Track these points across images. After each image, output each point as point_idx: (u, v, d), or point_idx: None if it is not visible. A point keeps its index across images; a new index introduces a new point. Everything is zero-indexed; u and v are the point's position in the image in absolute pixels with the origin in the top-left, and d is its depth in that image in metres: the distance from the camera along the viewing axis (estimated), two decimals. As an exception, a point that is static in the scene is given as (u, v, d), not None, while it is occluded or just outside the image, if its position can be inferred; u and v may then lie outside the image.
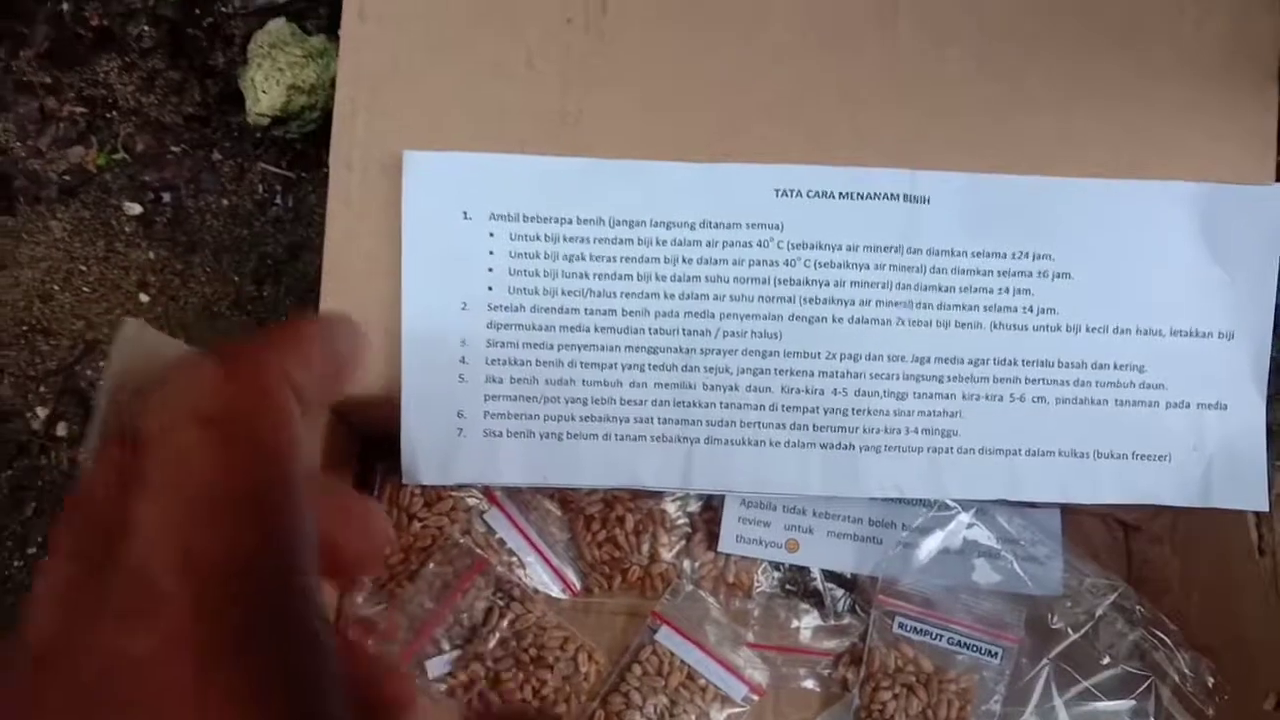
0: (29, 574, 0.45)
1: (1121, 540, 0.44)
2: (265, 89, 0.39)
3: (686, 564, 0.44)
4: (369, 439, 0.43)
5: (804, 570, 0.44)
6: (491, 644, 0.42)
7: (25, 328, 0.45)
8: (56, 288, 0.45)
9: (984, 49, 0.37)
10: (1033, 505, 0.42)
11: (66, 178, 0.44)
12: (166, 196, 0.44)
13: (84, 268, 0.45)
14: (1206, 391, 0.37)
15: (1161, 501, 0.37)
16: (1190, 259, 0.37)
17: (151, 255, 0.45)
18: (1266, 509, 0.36)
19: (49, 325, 0.45)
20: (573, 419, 0.37)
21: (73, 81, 0.44)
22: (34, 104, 0.44)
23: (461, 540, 0.43)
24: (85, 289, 0.45)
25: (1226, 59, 0.37)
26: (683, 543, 0.44)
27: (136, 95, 0.44)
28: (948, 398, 0.37)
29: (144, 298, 0.45)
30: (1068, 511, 0.43)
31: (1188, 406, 0.37)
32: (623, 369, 0.36)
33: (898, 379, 0.37)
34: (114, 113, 0.44)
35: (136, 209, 0.44)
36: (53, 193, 0.44)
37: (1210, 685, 0.39)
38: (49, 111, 0.44)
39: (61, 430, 0.45)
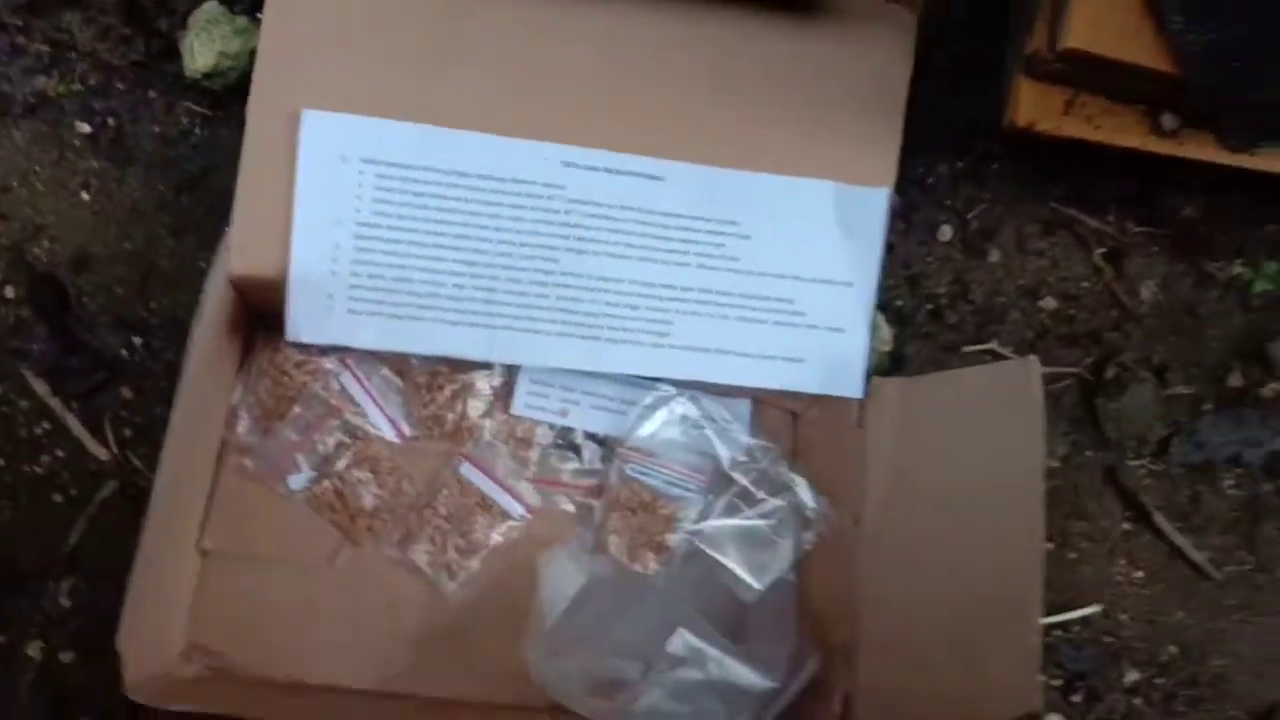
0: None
1: (790, 423, 0.65)
2: (200, 53, 0.56)
3: (488, 422, 0.63)
4: (254, 315, 0.60)
5: (571, 430, 0.63)
6: (339, 467, 0.60)
7: (-15, 211, 0.60)
8: (15, 183, 0.60)
9: (708, 84, 0.57)
10: (730, 395, 0.63)
11: (30, 99, 0.59)
12: (111, 121, 0.60)
13: (38, 169, 0.60)
14: (831, 320, 0.58)
15: (798, 389, 0.58)
16: (828, 231, 0.58)
17: (95, 165, 0.60)
18: (861, 396, 0.58)
19: (5, 211, 0.60)
20: (411, 306, 0.55)
21: (42, 27, 0.59)
22: (7, 40, 0.59)
23: (321, 393, 0.61)
24: (39, 186, 0.60)
25: (869, 97, 0.58)
26: (486, 406, 0.63)
27: (93, 42, 0.59)
28: (664, 311, 0.57)
29: (85, 196, 0.61)
30: (757, 401, 0.64)
31: (818, 329, 0.58)
32: (447, 274, 0.55)
33: (632, 296, 0.56)
34: (73, 53, 0.59)
35: (86, 128, 0.60)
36: (18, 110, 0.59)
37: (826, 513, 0.61)
38: (19, 46, 0.59)
39: (10, 293, 0.61)
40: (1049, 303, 0.70)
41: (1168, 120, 0.56)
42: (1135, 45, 0.51)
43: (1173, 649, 0.73)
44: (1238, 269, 0.73)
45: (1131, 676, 0.72)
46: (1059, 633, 0.71)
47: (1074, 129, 0.56)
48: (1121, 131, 0.57)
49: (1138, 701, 0.72)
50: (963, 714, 0.51)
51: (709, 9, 0.56)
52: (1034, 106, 0.56)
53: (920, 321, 0.69)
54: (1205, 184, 0.69)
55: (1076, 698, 0.71)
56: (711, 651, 0.53)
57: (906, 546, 0.56)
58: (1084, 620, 0.71)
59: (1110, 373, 0.71)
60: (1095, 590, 0.72)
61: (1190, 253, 0.72)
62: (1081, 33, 0.51)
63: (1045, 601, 0.68)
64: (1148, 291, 0.72)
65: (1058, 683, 0.71)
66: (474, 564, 0.61)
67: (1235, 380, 0.73)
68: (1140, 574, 0.72)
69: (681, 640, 0.53)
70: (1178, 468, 0.73)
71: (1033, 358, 0.51)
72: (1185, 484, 0.73)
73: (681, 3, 0.56)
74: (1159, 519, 0.72)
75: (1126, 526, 0.73)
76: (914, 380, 0.58)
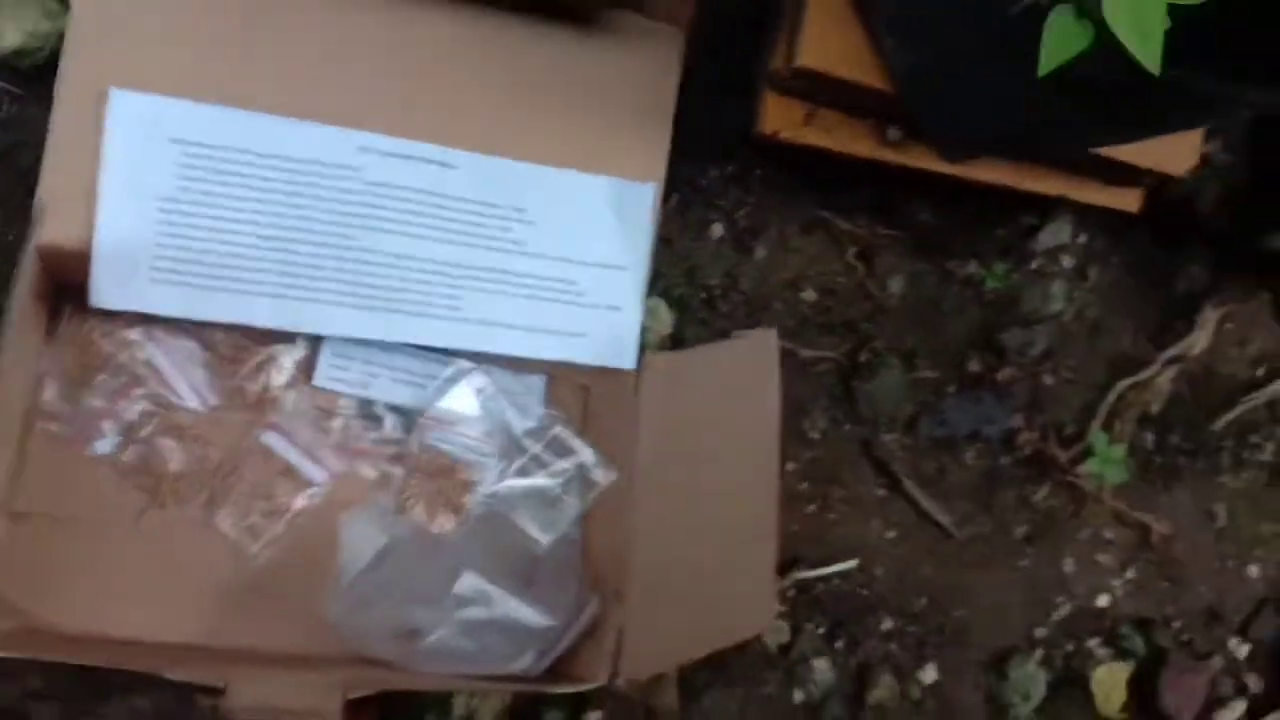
0: None
1: (581, 396, 0.73)
2: (10, 32, 0.59)
3: (291, 393, 0.67)
4: (61, 287, 0.63)
5: (372, 402, 0.69)
6: (145, 433, 0.64)
7: None
8: None
9: (499, 83, 0.64)
10: (523, 370, 0.70)
11: None
12: (-85, 95, 0.62)
13: None
14: (609, 299, 0.66)
15: (579, 360, 0.66)
16: (605, 220, 0.66)
17: (-105, 139, 0.62)
18: (635, 368, 0.66)
19: None
20: (212, 277, 0.60)
21: None
22: None
23: (126, 363, 0.64)
24: None
25: (641, 102, 0.67)
26: (289, 378, 0.67)
27: (-105, 18, 0.61)
28: (456, 287, 0.63)
29: (-116, 169, 0.63)
30: (550, 376, 0.71)
31: (596, 307, 0.66)
32: (245, 248, 0.60)
33: (425, 273, 0.63)
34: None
35: (-113, 101, 0.62)
36: None
37: (607, 474, 0.68)
38: None
39: None
40: (809, 295, 0.80)
41: (892, 132, 0.67)
42: (857, 65, 0.61)
43: (922, 600, 0.84)
44: (972, 268, 0.85)
45: (886, 624, 0.82)
46: (821, 585, 0.81)
47: (813, 138, 0.66)
48: (854, 141, 0.67)
49: (893, 646, 0.82)
50: (714, 638, 0.60)
51: (501, 16, 0.64)
52: (778, 118, 0.66)
53: (696, 308, 0.77)
54: (942, 193, 0.81)
55: (839, 643, 0.80)
56: (496, 592, 0.60)
57: (670, 498, 0.64)
58: (842, 574, 0.81)
59: (864, 357, 0.82)
60: (853, 549, 0.82)
61: (931, 253, 0.83)
62: (811, 53, 0.60)
63: (807, 558, 0.78)
64: (895, 286, 0.83)
65: (821, 630, 0.81)
66: (278, 527, 0.65)
67: (974, 366, 0.85)
68: (892, 534, 0.83)
69: (468, 582, 0.59)
70: (925, 442, 0.84)
71: (771, 329, 0.60)
72: (932, 456, 0.84)
73: (476, 8, 0.64)
74: (909, 486, 0.83)
75: (880, 493, 0.83)
76: (679, 353, 0.67)
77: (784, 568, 0.78)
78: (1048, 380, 0.87)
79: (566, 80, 0.65)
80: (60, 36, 0.57)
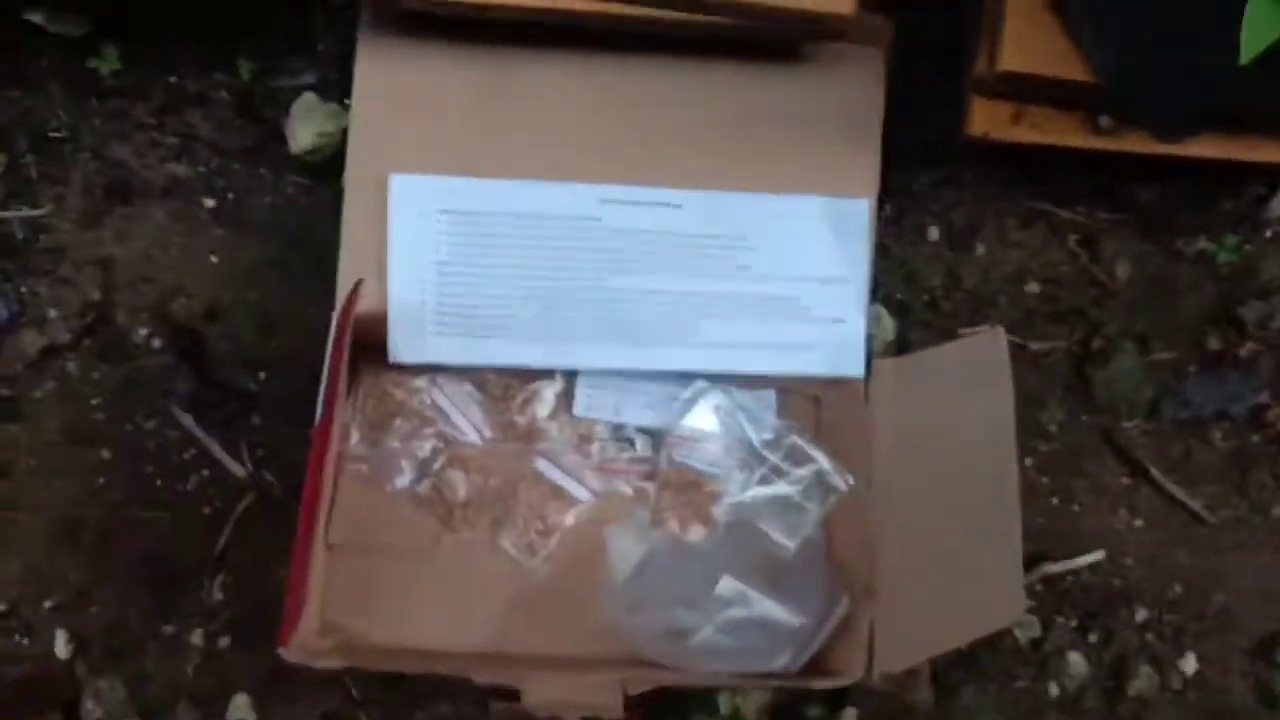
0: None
1: (812, 407, 0.78)
2: (302, 134, 0.71)
3: (554, 423, 0.76)
4: (358, 346, 0.74)
5: (624, 425, 0.77)
6: (435, 468, 0.74)
7: (136, 275, 0.76)
8: (156, 252, 0.75)
9: (715, 124, 0.70)
10: (756, 387, 0.76)
11: (165, 182, 0.75)
12: (230, 195, 0.75)
13: (174, 239, 0.75)
14: (834, 312, 0.71)
15: (810, 372, 0.71)
16: (823, 238, 0.71)
17: (219, 232, 0.76)
18: (863, 375, 0.71)
19: (149, 275, 0.76)
20: (486, 327, 0.69)
21: (172, 124, 0.75)
22: (146, 136, 0.75)
23: (416, 407, 0.75)
24: (175, 252, 0.75)
25: (850, 123, 0.72)
26: (552, 410, 0.76)
27: (213, 133, 0.75)
28: (693, 315, 0.70)
29: (213, 259, 0.76)
30: (781, 390, 0.77)
31: (823, 320, 0.71)
32: (513, 298, 0.69)
33: (665, 305, 0.70)
34: (198, 143, 0.75)
35: (211, 203, 0.75)
36: (156, 192, 0.75)
37: (845, 478, 0.73)
38: (155, 141, 0.75)
39: (156, 343, 0.76)
40: (1033, 287, 0.83)
41: (1104, 121, 0.69)
42: (1060, 63, 0.64)
43: (1177, 588, 0.83)
44: (1202, 244, 0.84)
45: (1141, 615, 0.82)
46: (1070, 579, 0.82)
47: (1023, 135, 0.69)
48: (1066, 134, 0.69)
49: (1150, 637, 0.82)
50: (964, 630, 0.63)
51: (712, 62, 0.71)
52: (986, 120, 0.69)
53: (918, 311, 0.81)
54: (1160, 173, 0.81)
55: (1092, 636, 0.81)
56: (753, 593, 0.66)
57: (910, 498, 0.68)
58: (1092, 566, 0.82)
59: (1096, 344, 0.83)
60: (1099, 540, 0.82)
61: (1156, 233, 0.84)
62: (1014, 57, 0.64)
63: (1054, 552, 0.80)
64: (1122, 270, 0.84)
65: (1073, 623, 0.82)
66: (552, 542, 0.74)
67: (1213, 343, 0.84)
68: (1140, 522, 0.83)
69: (728, 584, 0.66)
70: (1168, 425, 0.84)
71: (999, 327, 0.64)
72: (1177, 440, 0.84)
73: (688, 58, 0.71)
74: (1154, 472, 0.83)
75: (1124, 481, 0.83)
76: (906, 358, 0.71)
77: (1030, 562, 0.79)
78: (1295, 352, 0.84)
79: (778, 113, 0.71)
80: (343, 133, 0.68)
